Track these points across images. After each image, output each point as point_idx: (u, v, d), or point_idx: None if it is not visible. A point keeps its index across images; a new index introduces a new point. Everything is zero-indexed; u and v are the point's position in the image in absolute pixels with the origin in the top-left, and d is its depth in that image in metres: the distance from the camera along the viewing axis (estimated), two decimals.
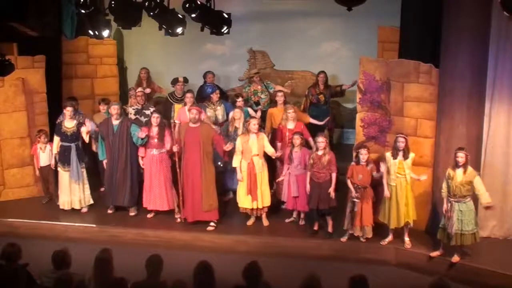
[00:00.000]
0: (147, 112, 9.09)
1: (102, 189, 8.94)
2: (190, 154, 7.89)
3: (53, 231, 8.17)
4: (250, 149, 7.83)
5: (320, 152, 7.54)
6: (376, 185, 7.44)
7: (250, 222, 8.11)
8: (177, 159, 8.04)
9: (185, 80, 9.80)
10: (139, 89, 9.48)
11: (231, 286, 4.71)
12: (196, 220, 7.99)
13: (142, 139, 8.09)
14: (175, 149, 7.95)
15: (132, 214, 8.50)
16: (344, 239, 7.55)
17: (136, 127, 8.23)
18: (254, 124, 7.83)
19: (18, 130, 9.06)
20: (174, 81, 9.85)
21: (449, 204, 6.79)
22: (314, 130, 8.43)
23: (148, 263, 4.85)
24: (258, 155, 7.83)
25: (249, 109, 9.09)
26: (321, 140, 7.51)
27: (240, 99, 9.05)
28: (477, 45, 7.14)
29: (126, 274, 4.71)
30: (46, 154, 8.77)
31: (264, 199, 7.96)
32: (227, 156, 7.98)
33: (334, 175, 7.54)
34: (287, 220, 8.22)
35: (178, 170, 8.05)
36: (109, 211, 8.57)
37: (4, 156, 9.02)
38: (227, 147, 7.79)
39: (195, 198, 7.93)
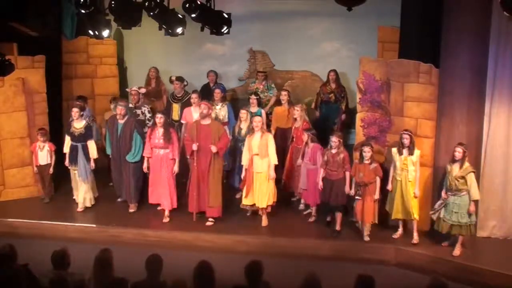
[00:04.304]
0: (138, 111, 9.10)
1: (111, 184, 9.03)
2: (201, 151, 7.89)
3: (53, 231, 8.15)
4: (251, 148, 7.85)
5: (334, 151, 7.60)
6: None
7: (248, 213, 8.24)
8: (194, 158, 7.94)
9: (179, 79, 9.73)
10: (134, 88, 9.48)
11: (231, 286, 4.72)
12: (200, 212, 8.09)
13: (135, 155, 8.32)
14: (194, 147, 7.85)
15: (131, 210, 8.53)
16: (366, 238, 7.59)
17: (140, 140, 8.29)
18: (256, 121, 7.86)
19: (18, 130, 9.05)
20: (169, 80, 9.88)
21: (445, 196, 7.05)
22: (322, 129, 8.51)
23: (148, 263, 4.85)
24: (258, 154, 7.82)
25: (262, 111, 9.06)
26: (334, 140, 7.60)
27: (253, 96, 9.10)
28: (477, 45, 7.15)
29: (126, 274, 4.71)
30: (44, 153, 8.78)
31: (261, 200, 7.89)
32: (222, 153, 7.99)
33: (348, 174, 7.61)
34: (304, 213, 8.38)
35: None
36: (119, 199, 8.79)
37: (4, 156, 9.01)
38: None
39: (202, 192, 7.98)
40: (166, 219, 8.24)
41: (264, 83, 10.20)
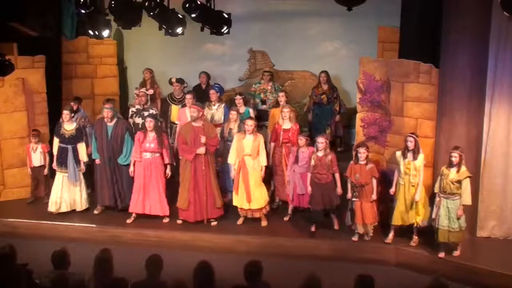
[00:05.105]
0: (146, 114, 9.06)
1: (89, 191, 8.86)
2: (197, 153, 7.87)
3: (53, 231, 8.15)
4: (243, 148, 7.82)
5: (320, 153, 7.53)
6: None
7: (239, 221, 8.12)
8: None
9: (180, 81, 9.71)
10: (142, 89, 9.46)
11: (231, 286, 4.72)
12: (199, 220, 8.03)
13: (127, 158, 8.20)
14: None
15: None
16: (355, 238, 7.52)
17: (131, 143, 8.21)
18: (248, 124, 7.81)
19: (18, 130, 9.06)
20: (169, 82, 9.87)
21: (438, 199, 6.96)
22: (315, 132, 8.45)
23: (148, 263, 4.85)
24: (250, 155, 7.81)
25: (250, 110, 9.04)
26: (321, 141, 7.50)
27: (238, 96, 9.01)
28: (477, 45, 7.15)
29: (126, 274, 4.71)
30: (37, 155, 8.76)
31: (256, 200, 7.88)
32: (213, 150, 7.99)
33: (337, 175, 7.55)
34: (285, 218, 8.23)
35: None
36: (96, 212, 8.51)
37: (4, 156, 9.02)
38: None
39: (202, 197, 7.94)
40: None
41: (271, 84, 10.14)
